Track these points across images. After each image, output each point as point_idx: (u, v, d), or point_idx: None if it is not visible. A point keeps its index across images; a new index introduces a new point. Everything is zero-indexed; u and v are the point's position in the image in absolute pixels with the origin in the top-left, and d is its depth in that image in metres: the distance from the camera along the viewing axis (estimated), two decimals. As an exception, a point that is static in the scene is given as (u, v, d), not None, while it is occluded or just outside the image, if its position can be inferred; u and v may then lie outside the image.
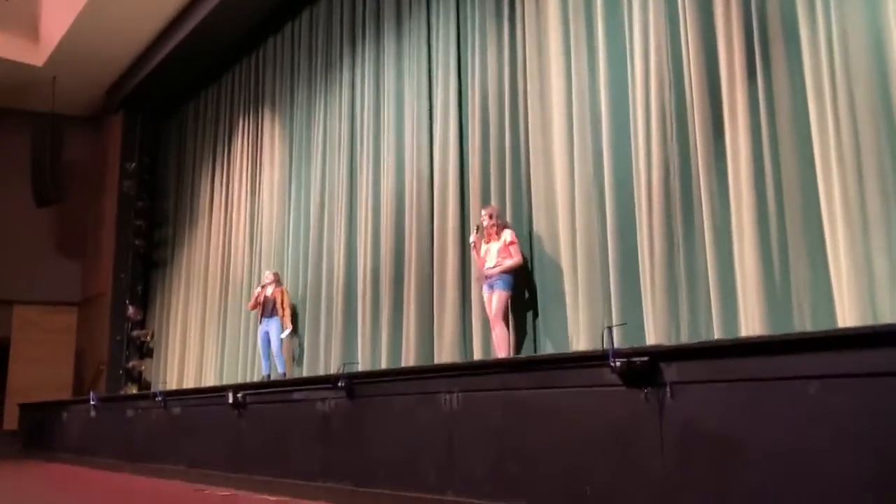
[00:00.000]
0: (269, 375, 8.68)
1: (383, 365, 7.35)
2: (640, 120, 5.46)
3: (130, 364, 12.62)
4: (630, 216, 5.47)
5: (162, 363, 12.23)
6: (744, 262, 4.68)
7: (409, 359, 7.09)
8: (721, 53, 5.01)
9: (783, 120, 4.68)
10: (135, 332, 12.79)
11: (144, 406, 8.70)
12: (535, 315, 6.16)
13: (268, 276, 8.98)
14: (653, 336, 5.08)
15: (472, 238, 6.36)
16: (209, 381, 10.48)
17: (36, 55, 12.36)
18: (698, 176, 5.06)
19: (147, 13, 10.99)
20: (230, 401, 6.82)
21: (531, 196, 6.34)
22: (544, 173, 6.23)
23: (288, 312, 8.74)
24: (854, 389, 2.84)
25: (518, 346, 6.13)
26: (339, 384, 5.52)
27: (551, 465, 3.97)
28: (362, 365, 7.54)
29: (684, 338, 4.92)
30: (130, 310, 12.85)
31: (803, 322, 4.40)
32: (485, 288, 6.13)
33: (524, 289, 6.23)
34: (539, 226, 6.21)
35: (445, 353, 6.74)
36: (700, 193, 5.03)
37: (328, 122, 9.14)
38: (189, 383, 11.02)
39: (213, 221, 11.43)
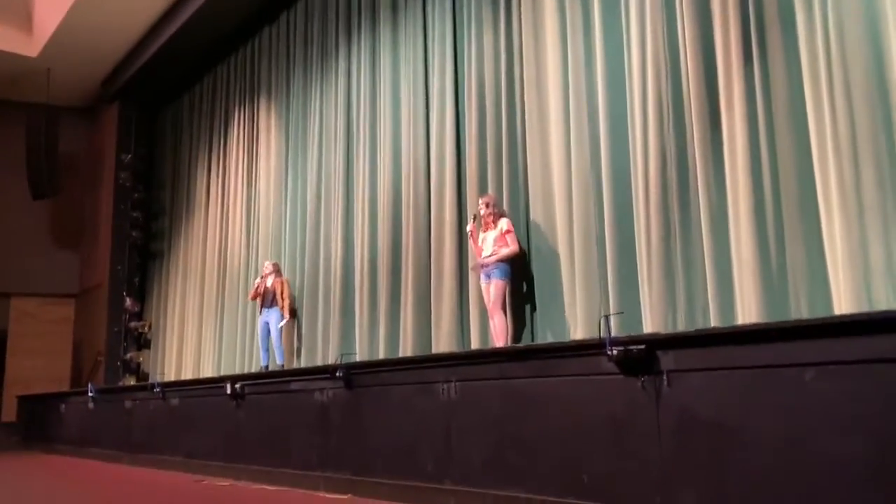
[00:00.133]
0: (267, 366, 8.69)
1: (381, 355, 7.36)
2: (636, 108, 5.45)
3: (128, 356, 12.63)
4: (627, 204, 5.47)
5: (160, 354, 12.24)
6: (740, 251, 4.68)
7: (406, 349, 7.10)
8: (717, 41, 5.00)
9: (780, 108, 4.67)
10: (132, 324, 12.80)
11: (142, 397, 8.71)
12: (533, 304, 6.16)
13: (267, 266, 8.97)
14: (650, 324, 5.09)
15: (468, 227, 6.37)
16: (207, 372, 10.49)
17: (30, 46, 12.29)
18: (695, 164, 5.06)
19: (142, 3, 10.92)
20: (228, 392, 6.83)
21: (528, 185, 6.33)
22: (541, 162, 6.22)
23: (287, 303, 8.73)
24: (850, 376, 2.85)
25: (516, 335, 6.14)
26: (338, 374, 5.53)
27: (549, 454, 3.98)
28: (360, 355, 7.55)
29: (681, 326, 4.93)
30: (128, 301, 12.84)
31: (799, 310, 4.41)
32: (482, 277, 6.13)
33: (521, 278, 6.23)
34: (536, 215, 6.21)
35: (443, 343, 6.75)
36: (697, 182, 5.03)
37: (324, 112, 9.12)
38: (187, 374, 11.04)
39: (210, 212, 11.41)
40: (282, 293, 8.73)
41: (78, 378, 13.26)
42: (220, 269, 10.88)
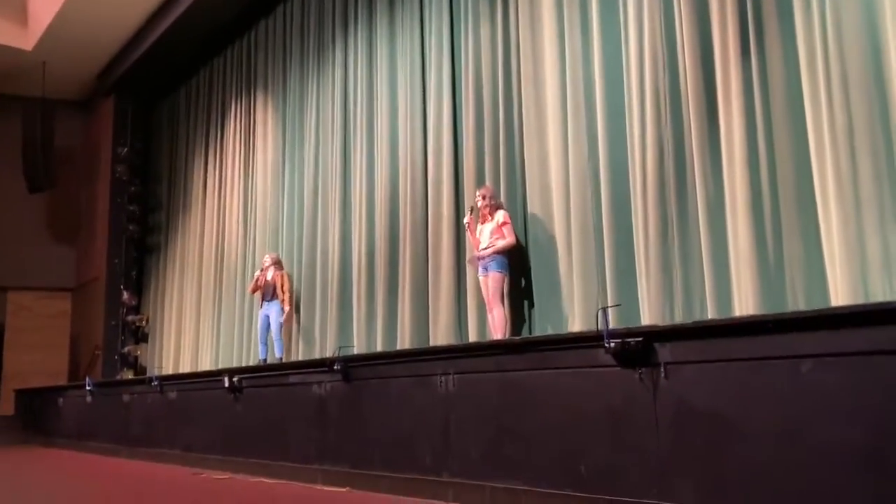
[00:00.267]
0: (265, 360, 8.69)
1: (379, 348, 7.36)
2: (634, 101, 5.45)
3: (126, 349, 12.63)
4: (624, 197, 5.47)
5: (157, 348, 12.24)
6: (737, 243, 4.69)
7: (404, 342, 7.11)
8: (715, 34, 4.99)
9: (777, 101, 4.67)
10: (130, 318, 12.79)
11: (140, 391, 8.71)
12: (530, 296, 6.16)
13: (266, 259, 8.94)
14: (647, 316, 5.10)
15: (466, 219, 6.36)
16: (205, 365, 10.50)
17: (25, 39, 12.24)
18: (692, 157, 5.06)
19: (137, -4, 10.89)
20: (226, 385, 6.83)
21: (525, 178, 6.32)
22: (538, 155, 6.22)
23: (288, 296, 8.70)
24: (846, 368, 2.86)
25: (513, 327, 6.14)
26: (335, 367, 5.53)
27: (546, 446, 3.99)
28: (358, 348, 7.55)
29: (678, 318, 4.94)
30: (125, 295, 12.83)
31: (796, 302, 4.42)
32: (480, 270, 6.13)
33: (519, 270, 6.23)
34: (533, 207, 6.21)
35: (441, 336, 6.75)
36: (694, 175, 5.03)
37: (321, 105, 9.10)
38: (185, 368, 11.04)
39: (207, 205, 11.39)
40: (282, 286, 8.69)
41: (75, 372, 13.26)
42: (217, 262, 10.87)
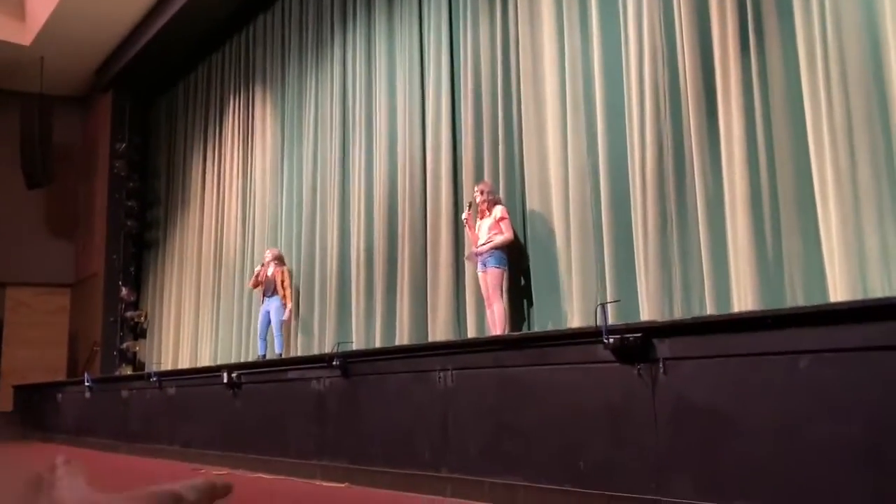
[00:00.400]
0: (264, 356, 8.68)
1: (377, 344, 7.37)
2: (633, 97, 5.45)
3: (124, 345, 12.62)
4: (624, 193, 5.47)
5: (156, 344, 12.24)
6: (736, 239, 4.70)
7: (403, 338, 7.11)
8: (714, 30, 4.99)
9: (776, 98, 4.68)
10: (128, 313, 12.78)
11: (139, 387, 8.71)
12: (529, 292, 6.17)
13: (267, 254, 8.91)
14: (646, 312, 5.11)
15: (464, 215, 6.36)
16: (204, 361, 10.49)
17: (22, 34, 12.20)
18: (691, 153, 5.06)
19: (135, -9, 10.87)
20: (225, 381, 6.83)
21: (524, 174, 6.32)
22: (538, 151, 6.21)
23: (289, 293, 8.67)
24: (845, 363, 2.87)
25: (512, 323, 6.15)
26: (334, 363, 5.53)
27: (545, 441, 4.00)
28: (357, 344, 7.56)
29: (677, 314, 4.95)
30: (123, 291, 12.82)
31: (795, 297, 4.43)
32: (479, 266, 6.13)
33: (518, 266, 6.24)
34: (533, 203, 6.21)
35: (439, 331, 6.76)
36: (693, 171, 5.04)
37: (320, 101, 9.09)
38: (184, 364, 11.04)
39: (206, 201, 11.38)
40: (282, 283, 8.67)
41: (74, 368, 13.25)
42: (216, 258, 10.86)
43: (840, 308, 3.04)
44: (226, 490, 0.50)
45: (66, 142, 13.72)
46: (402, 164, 7.53)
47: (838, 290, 4.16)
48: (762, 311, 3.63)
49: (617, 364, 3.66)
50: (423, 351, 5.13)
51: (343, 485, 5.27)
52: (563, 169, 5.96)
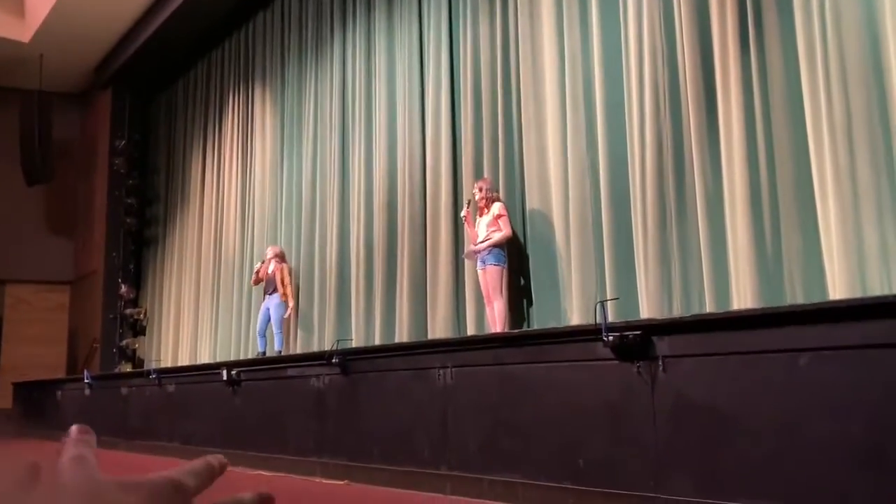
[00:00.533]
0: (264, 353, 8.68)
1: (377, 341, 7.37)
2: (633, 94, 5.44)
3: (124, 342, 12.62)
4: (623, 191, 5.47)
5: (155, 341, 12.24)
6: (736, 236, 4.69)
7: (402, 335, 7.11)
8: (714, 27, 4.99)
9: (776, 95, 4.67)
10: (128, 311, 12.77)
11: (139, 384, 8.71)
12: (529, 290, 6.17)
13: (268, 251, 8.90)
14: (646, 310, 5.11)
15: (463, 212, 6.35)
16: (203, 358, 10.49)
17: (22, 31, 12.18)
18: (691, 151, 5.06)
19: (134, -12, 10.85)
20: (224, 378, 6.83)
21: (524, 172, 6.32)
22: (537, 149, 6.21)
23: (290, 290, 8.66)
24: (844, 361, 2.87)
25: (512, 320, 6.15)
26: (334, 360, 5.53)
27: (544, 439, 4.00)
28: (356, 341, 7.55)
29: (677, 312, 4.95)
30: (123, 288, 12.82)
31: (795, 295, 4.43)
32: (478, 264, 6.12)
33: (518, 264, 6.24)
34: (532, 201, 6.21)
35: (439, 329, 6.76)
36: (693, 168, 5.04)
37: (319, 98, 9.08)
38: (183, 361, 11.03)
39: (205, 198, 11.37)
40: (282, 280, 8.65)
41: (74, 365, 13.25)
42: (215, 255, 10.86)
43: (839, 306, 3.04)
44: (223, 468, 0.51)
45: (65, 139, 13.71)
46: (402, 161, 7.53)
47: (838, 288, 4.16)
48: (762, 309, 3.62)
49: (616, 362, 3.66)
50: (422, 348, 5.13)
51: (342, 482, 5.27)
52: (562, 167, 5.96)
